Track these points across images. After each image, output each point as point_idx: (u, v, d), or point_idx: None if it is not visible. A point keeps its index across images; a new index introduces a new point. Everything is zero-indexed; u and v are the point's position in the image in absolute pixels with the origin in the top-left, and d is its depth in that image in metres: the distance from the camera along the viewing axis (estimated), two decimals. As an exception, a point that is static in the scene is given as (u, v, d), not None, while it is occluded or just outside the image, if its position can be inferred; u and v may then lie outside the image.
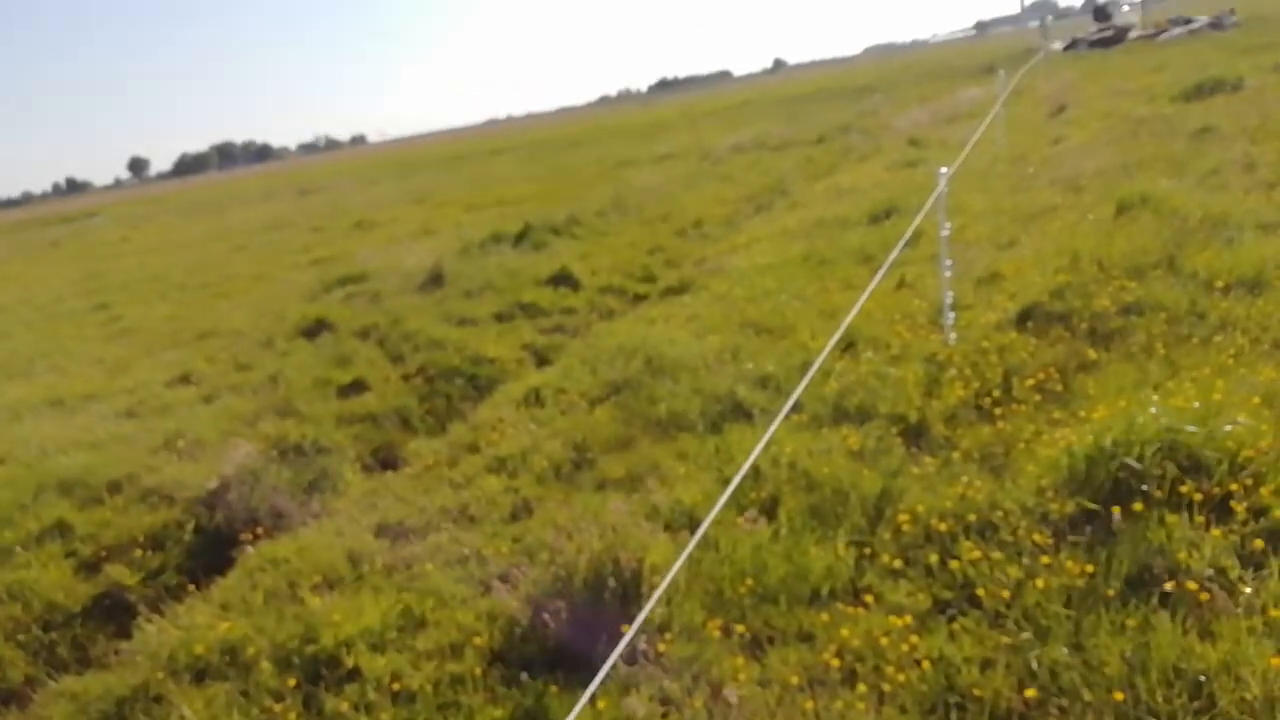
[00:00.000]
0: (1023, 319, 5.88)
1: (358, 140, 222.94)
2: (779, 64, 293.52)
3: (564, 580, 3.69)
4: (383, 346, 8.45)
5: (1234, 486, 3.34)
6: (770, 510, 4.22)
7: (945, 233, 5.97)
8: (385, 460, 6.27)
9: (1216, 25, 38.57)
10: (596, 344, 7.70)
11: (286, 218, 26.92)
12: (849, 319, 4.88)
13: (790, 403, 4.16)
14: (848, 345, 6.29)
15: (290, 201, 34.96)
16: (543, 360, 8.17)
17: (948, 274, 5.98)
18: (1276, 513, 3.22)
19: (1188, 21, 41.37)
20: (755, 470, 4.61)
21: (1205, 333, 5.14)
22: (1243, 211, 7.28)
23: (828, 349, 4.55)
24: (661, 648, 3.39)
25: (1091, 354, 5.19)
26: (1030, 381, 4.97)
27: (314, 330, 9.09)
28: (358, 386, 7.40)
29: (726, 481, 4.57)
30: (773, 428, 3.85)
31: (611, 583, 3.53)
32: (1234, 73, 17.43)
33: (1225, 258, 6.10)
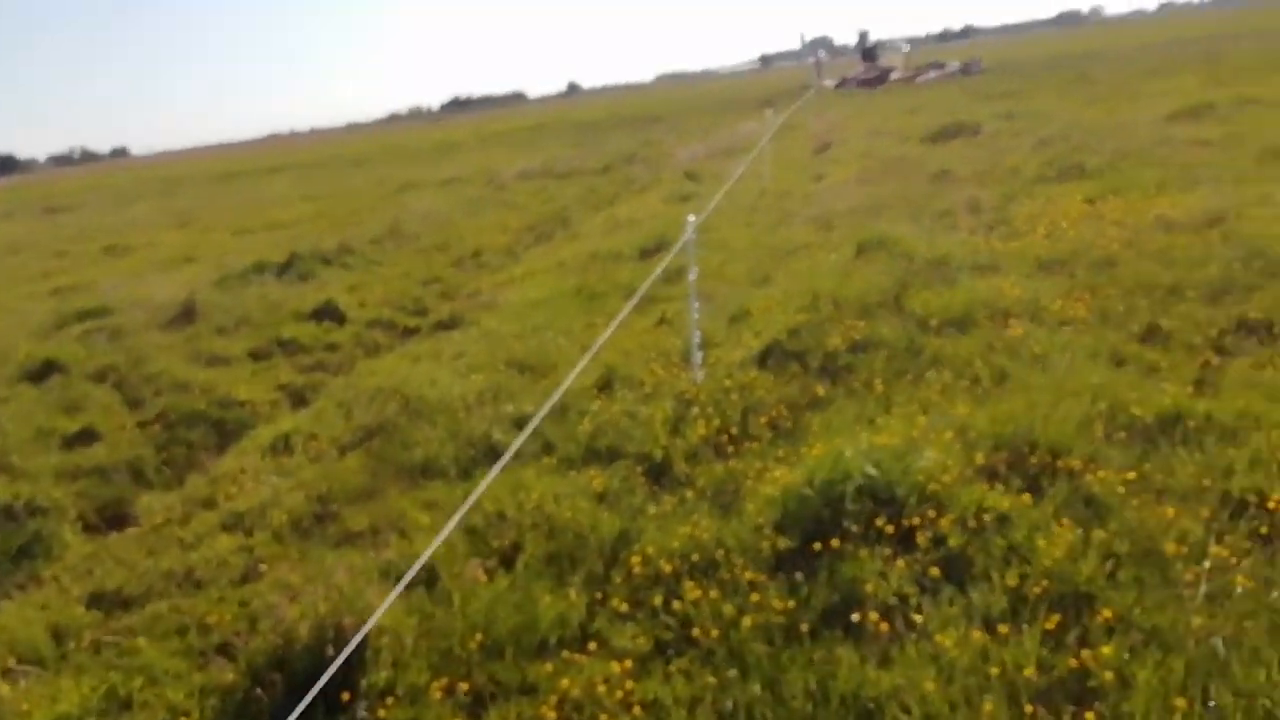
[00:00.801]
0: (764, 357, 6.21)
1: (119, 153, 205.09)
2: (573, 87, 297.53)
3: (284, 648, 3.53)
4: (120, 390, 7.82)
5: (917, 520, 3.66)
6: (510, 558, 4.22)
7: (693, 276, 6.21)
8: (112, 519, 5.78)
9: (967, 71, 42.60)
10: (357, 384, 7.47)
11: (27, 239, 24.46)
12: (584, 362, 4.97)
13: (513, 449, 4.18)
14: (605, 384, 6.43)
15: (33, 221, 31.80)
16: (299, 401, 7.84)
17: (696, 315, 6.23)
18: (953, 541, 3.55)
19: (941, 66, 45.48)
20: (501, 517, 4.62)
21: (919, 369, 5.61)
22: (964, 253, 8.03)
23: (567, 383, 4.63)
24: (382, 714, 3.30)
25: (821, 391, 5.55)
26: (764, 419, 5.25)
27: (41, 373, 8.28)
28: (86, 436, 6.80)
29: (472, 532, 4.55)
30: (492, 474, 3.85)
31: (331, 650, 3.40)
32: (974, 118, 19.30)
33: (943, 298, 6.70)
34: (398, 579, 4.10)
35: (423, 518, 4.76)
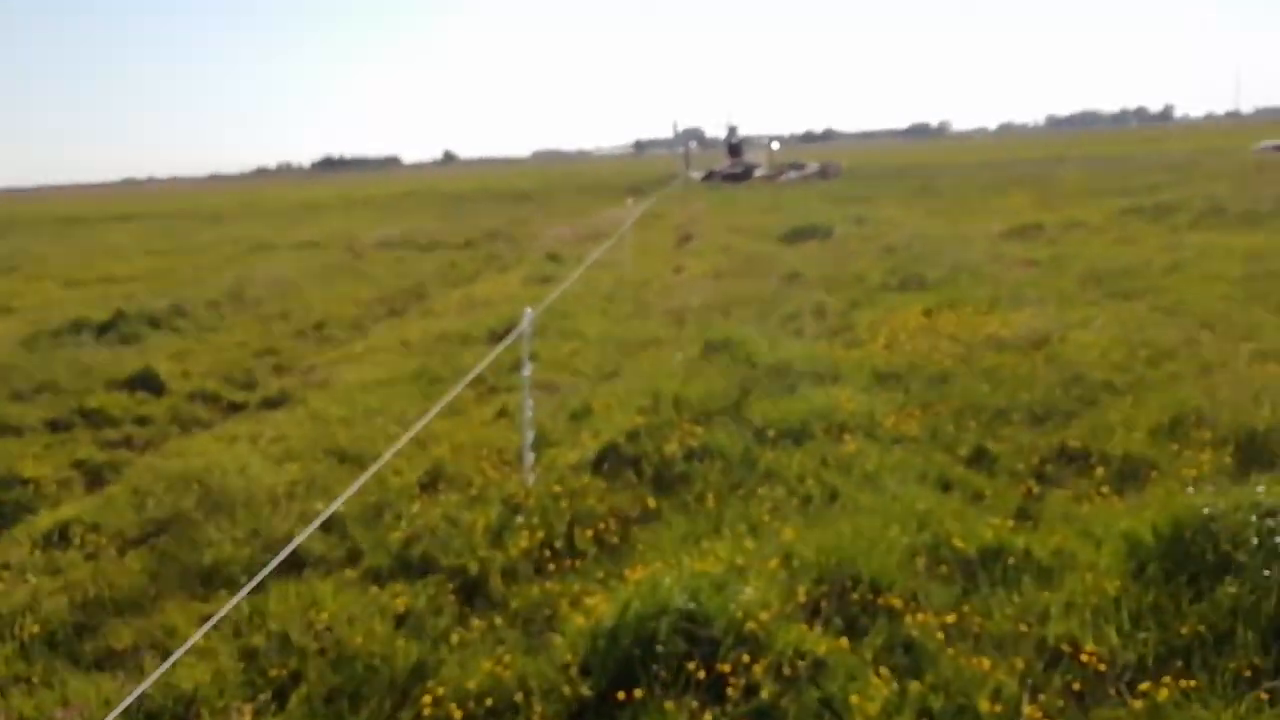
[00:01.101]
0: (600, 460, 5.97)
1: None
2: (449, 156, 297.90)
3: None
4: (-125, 464, 6.86)
5: (730, 666, 3.43)
6: (286, 693, 3.75)
7: (527, 372, 5.95)
8: None
9: (824, 174, 44.81)
10: (161, 466, 6.78)
11: None
12: (389, 454, 4.60)
13: (281, 557, 3.75)
14: (430, 482, 6.04)
15: None
16: (95, 482, 7.06)
17: (530, 413, 5.95)
18: (765, 692, 3.33)
19: (802, 167, 47.70)
20: (284, 640, 4.14)
21: (753, 484, 5.48)
22: (806, 359, 8.09)
23: (360, 483, 4.24)
24: None
25: (652, 502, 5.33)
26: (591, 532, 4.98)
27: None
28: None
29: (251, 656, 4.06)
30: (252, 583, 3.42)
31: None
32: (827, 221, 20.08)
33: (781, 407, 6.66)
34: (148, 719, 3.60)
35: (197, 637, 4.22)
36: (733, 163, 52.08)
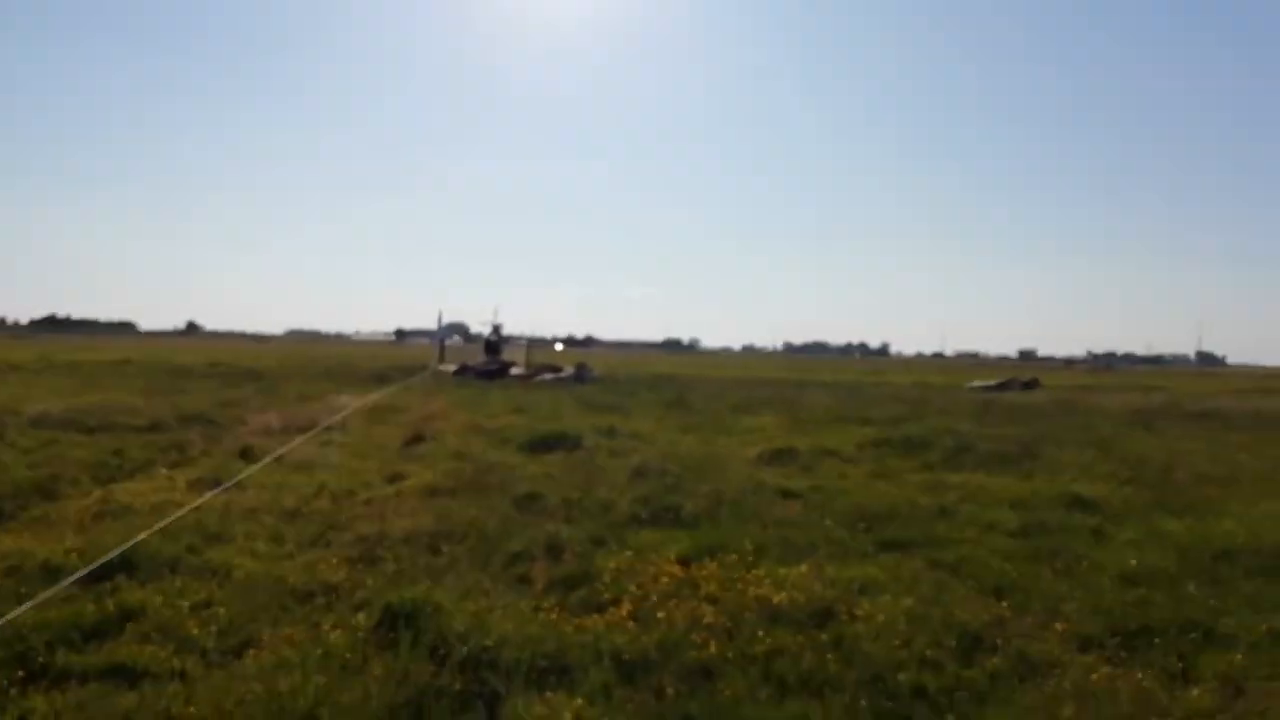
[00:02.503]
0: None
1: None
2: (193, 326, 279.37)
3: None
4: None
5: None
6: None
7: None
8: None
9: (580, 378, 44.05)
10: None
11: None
12: None
13: None
14: None
15: None
16: None
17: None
18: None
19: (558, 370, 46.91)
20: None
21: None
22: (522, 641, 5.80)
23: None
24: None
25: None
26: None
27: None
28: None
29: None
30: None
31: None
32: (576, 429, 18.33)
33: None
34: None
35: None
36: (489, 359, 50.60)
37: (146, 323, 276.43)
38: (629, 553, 8.46)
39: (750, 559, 8.25)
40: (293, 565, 7.99)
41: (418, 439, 17.69)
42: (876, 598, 7.17)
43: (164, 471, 13.70)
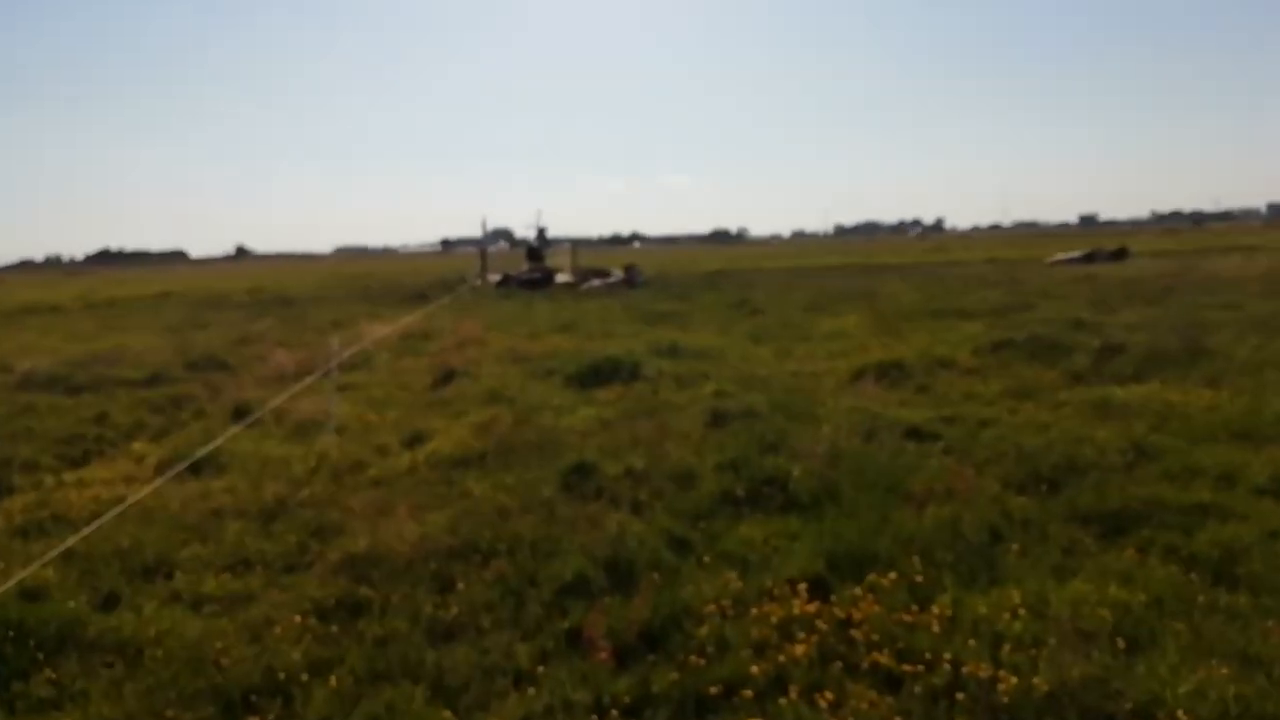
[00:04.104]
0: None
1: None
2: (242, 251, 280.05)
3: None
4: None
5: None
6: None
7: None
8: None
9: (630, 282, 41.06)
10: None
11: None
12: None
13: None
14: None
15: None
16: None
17: None
18: None
19: (606, 274, 43.87)
20: None
21: None
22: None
23: None
24: None
25: None
26: None
27: None
28: None
29: None
30: None
31: None
32: (632, 353, 15.53)
33: None
34: None
35: None
36: (532, 267, 47.63)
37: (197, 250, 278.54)
38: (731, 572, 5.71)
39: (918, 578, 5.45)
40: (237, 630, 5.40)
41: (449, 376, 15.07)
42: (1156, 662, 4.34)
43: (136, 447, 11.28)
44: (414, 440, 10.44)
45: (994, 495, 7.13)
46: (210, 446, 9.39)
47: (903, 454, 8.40)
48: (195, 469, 9.62)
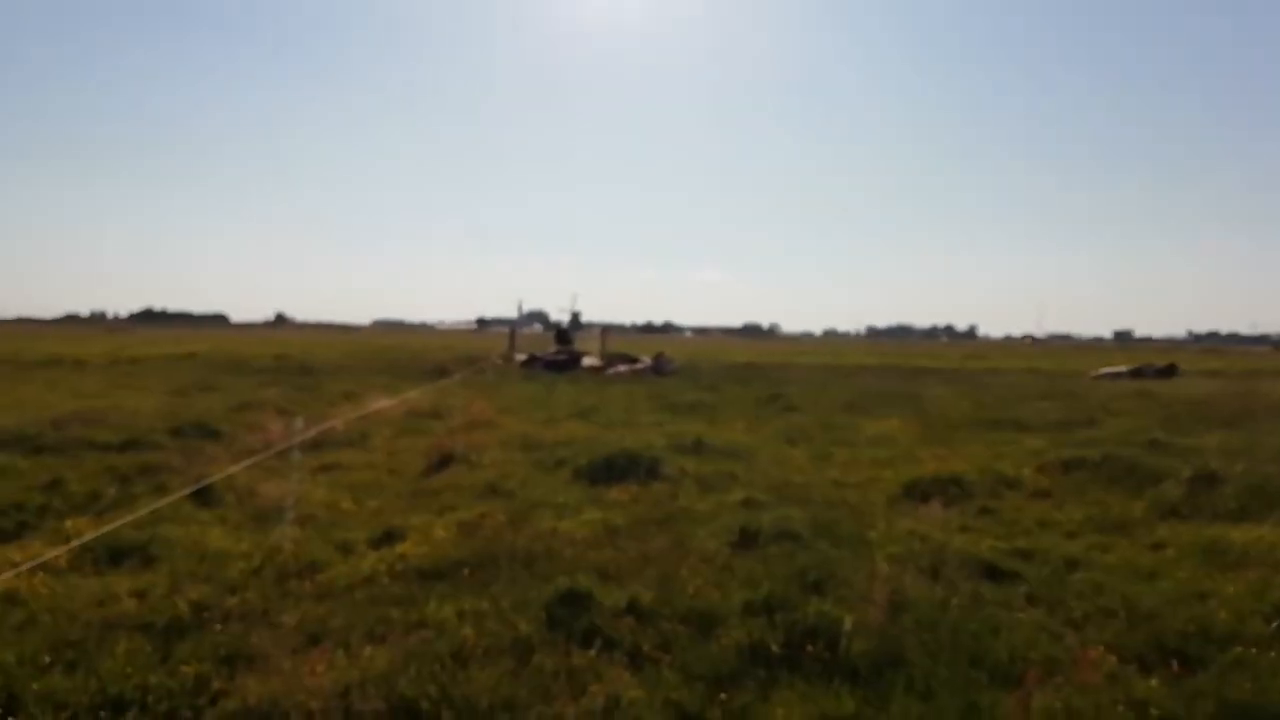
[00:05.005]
0: None
1: None
2: (281, 318, 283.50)
3: None
4: None
5: None
6: None
7: None
8: None
9: (658, 369, 39.61)
10: None
11: None
12: None
13: None
14: None
15: None
16: None
17: None
18: None
19: (634, 360, 42.48)
20: None
21: None
22: None
23: None
24: None
25: None
26: None
27: None
28: None
29: None
30: None
31: None
32: (652, 446, 13.92)
33: None
34: None
35: None
36: (558, 349, 46.49)
37: (238, 314, 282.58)
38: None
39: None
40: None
41: (445, 461, 13.49)
42: None
43: (69, 524, 9.73)
44: (385, 539, 8.81)
45: (1111, 672, 5.37)
46: (119, 523, 7.84)
47: (981, 604, 6.64)
48: (117, 559, 8.09)
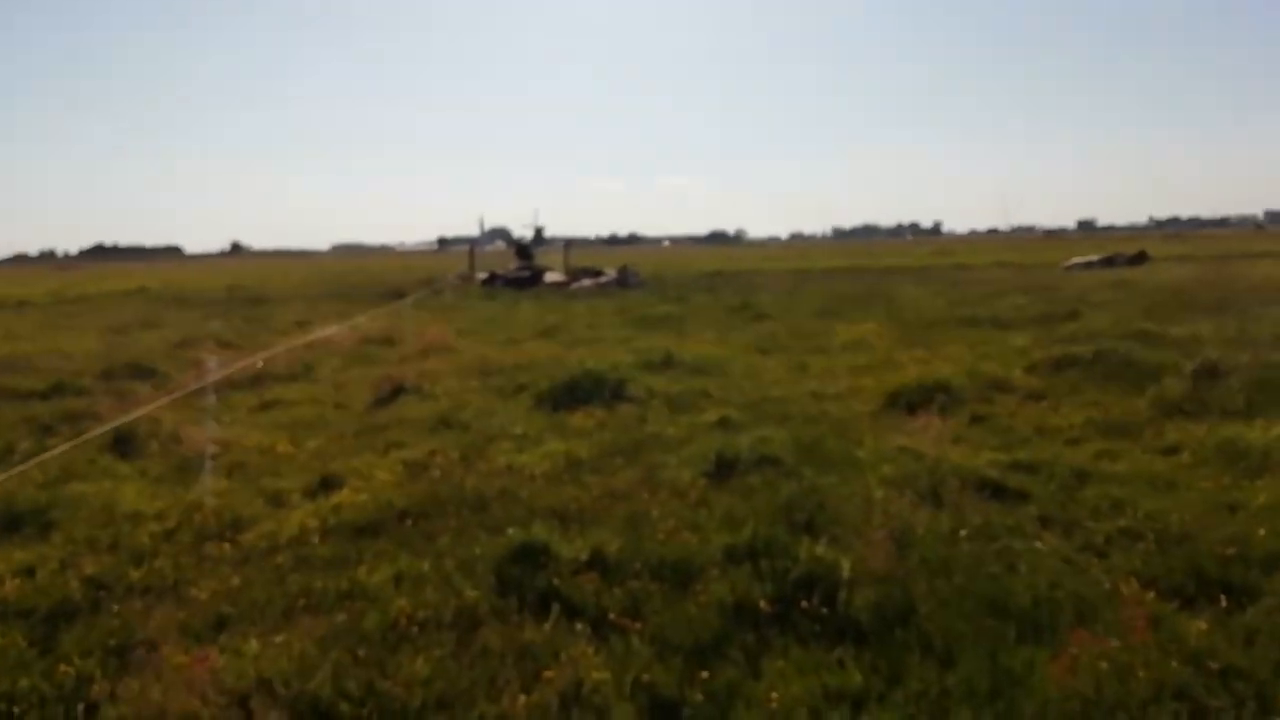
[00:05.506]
0: None
1: None
2: (237, 247, 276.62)
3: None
4: None
5: None
6: None
7: None
8: None
9: (623, 282, 38.49)
10: None
11: None
12: None
13: None
14: None
15: None
16: None
17: None
18: None
19: (598, 274, 41.26)
20: None
21: None
22: None
23: None
24: None
25: None
26: None
27: None
28: None
29: None
30: None
31: None
32: (618, 365, 13.01)
33: None
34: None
35: None
36: (520, 265, 45.09)
37: (193, 246, 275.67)
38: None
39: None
40: None
41: (395, 392, 12.50)
42: None
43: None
44: (321, 487, 7.88)
45: (1152, 614, 4.61)
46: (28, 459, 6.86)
47: (992, 531, 5.86)
48: (13, 526, 7.11)
